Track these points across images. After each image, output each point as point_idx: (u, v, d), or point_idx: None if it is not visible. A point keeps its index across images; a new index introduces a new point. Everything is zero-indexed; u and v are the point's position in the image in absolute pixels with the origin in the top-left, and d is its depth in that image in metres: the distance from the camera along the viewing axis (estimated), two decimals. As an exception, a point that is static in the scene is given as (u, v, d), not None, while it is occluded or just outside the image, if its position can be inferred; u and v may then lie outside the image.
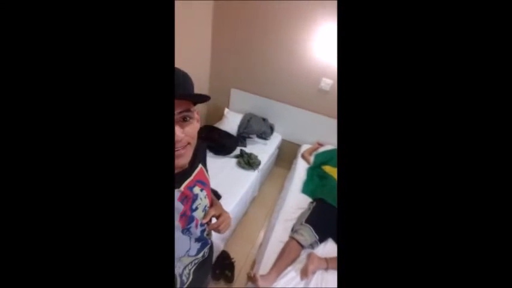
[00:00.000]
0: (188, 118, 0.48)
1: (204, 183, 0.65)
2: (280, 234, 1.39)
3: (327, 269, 1.24)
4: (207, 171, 0.71)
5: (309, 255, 1.25)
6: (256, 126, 2.16)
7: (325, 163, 1.96)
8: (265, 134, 2.22)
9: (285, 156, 2.49)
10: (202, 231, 0.67)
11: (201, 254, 0.69)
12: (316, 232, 1.35)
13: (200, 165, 0.66)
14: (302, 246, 1.29)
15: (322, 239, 1.37)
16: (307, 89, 2.13)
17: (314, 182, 1.81)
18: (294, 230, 1.38)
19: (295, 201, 1.64)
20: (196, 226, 0.63)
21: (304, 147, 2.29)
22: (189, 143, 0.50)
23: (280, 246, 1.30)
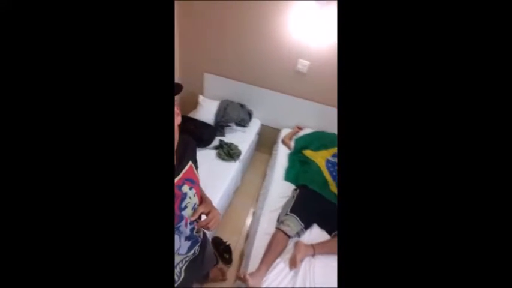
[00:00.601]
0: None
1: (193, 181, 0.64)
2: (266, 227, 1.38)
3: (313, 255, 1.27)
4: (197, 168, 0.70)
5: (296, 244, 1.27)
6: (234, 114, 2.07)
7: (305, 147, 1.96)
8: (243, 121, 2.14)
9: (266, 141, 2.46)
10: (192, 230, 0.66)
11: (191, 252, 0.69)
12: (301, 220, 1.36)
13: (190, 163, 0.65)
14: (289, 237, 1.30)
15: (307, 226, 1.39)
16: (284, 72, 2.06)
17: (296, 168, 1.81)
18: (279, 221, 1.38)
19: (279, 189, 1.64)
20: (186, 225, 0.62)
21: (284, 132, 2.26)
22: None
23: (267, 239, 1.30)
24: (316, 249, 1.27)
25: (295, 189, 1.61)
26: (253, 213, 1.79)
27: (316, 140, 2.00)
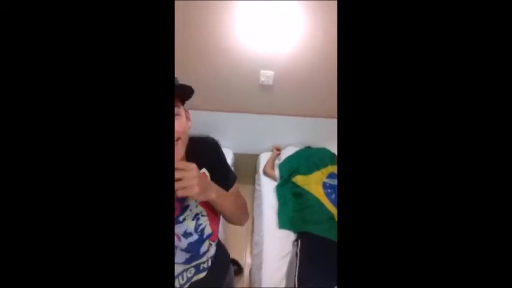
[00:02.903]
0: (176, 115, 0.50)
1: None
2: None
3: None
4: (220, 173, 0.65)
5: None
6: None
7: (294, 173, 1.58)
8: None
9: (245, 171, 2.06)
10: (192, 243, 0.60)
11: (192, 264, 0.62)
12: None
13: (203, 169, 0.61)
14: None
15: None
16: (246, 88, 1.68)
17: (289, 206, 1.42)
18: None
19: (275, 245, 1.24)
20: (179, 239, 0.58)
21: (264, 157, 1.88)
22: (179, 138, 0.52)
23: None
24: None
25: (296, 241, 1.22)
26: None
27: (304, 161, 1.63)
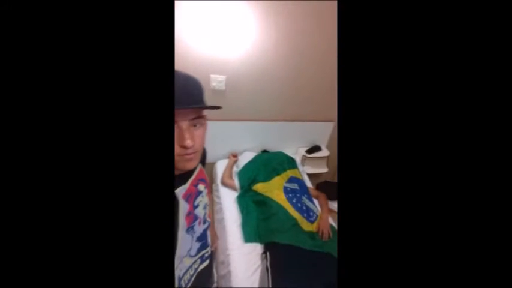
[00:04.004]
0: (198, 125, 0.50)
1: (205, 180, 0.65)
2: None
3: None
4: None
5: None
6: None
7: (254, 181, 1.54)
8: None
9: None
10: (205, 230, 0.67)
11: (199, 255, 0.67)
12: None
13: (200, 165, 0.64)
14: None
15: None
16: (196, 94, 1.56)
17: (253, 216, 1.37)
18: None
19: (243, 263, 1.17)
20: (200, 224, 0.63)
21: (221, 164, 1.79)
22: (197, 151, 0.53)
23: None
24: None
25: (264, 254, 1.18)
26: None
27: (263, 167, 1.60)
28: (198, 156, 0.53)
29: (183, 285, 0.61)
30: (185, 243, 0.59)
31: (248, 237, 1.27)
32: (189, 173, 0.60)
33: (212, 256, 0.80)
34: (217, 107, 0.50)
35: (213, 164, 1.85)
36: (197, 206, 0.61)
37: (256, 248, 1.24)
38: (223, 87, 1.55)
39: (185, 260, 0.61)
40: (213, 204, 1.68)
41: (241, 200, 1.47)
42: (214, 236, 0.93)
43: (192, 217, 0.58)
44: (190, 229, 0.59)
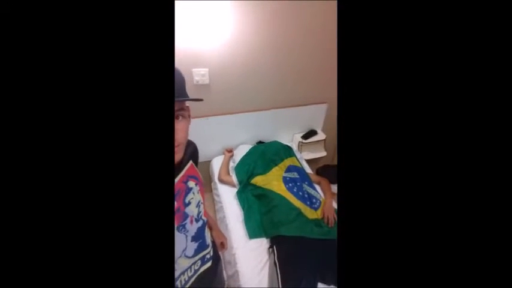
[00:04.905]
0: (181, 117, 0.50)
1: (196, 178, 0.64)
2: None
3: None
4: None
5: None
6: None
7: (252, 175, 1.48)
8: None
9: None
10: (200, 229, 0.64)
11: (198, 256, 0.65)
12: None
13: (190, 161, 0.63)
14: None
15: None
16: (180, 91, 1.48)
17: (255, 211, 1.32)
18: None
19: (250, 260, 1.12)
20: (192, 222, 0.61)
21: (216, 161, 1.73)
22: (180, 143, 0.52)
23: None
24: None
25: (271, 248, 1.13)
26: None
27: (260, 159, 1.54)
28: (182, 148, 0.53)
29: (179, 286, 0.60)
30: (178, 243, 0.58)
31: (252, 232, 1.23)
32: (177, 169, 0.59)
33: (218, 257, 0.78)
34: (199, 100, 0.51)
35: (209, 162, 1.79)
36: (188, 204, 0.60)
37: (262, 243, 1.20)
38: (207, 81, 1.47)
39: (180, 260, 0.59)
40: (214, 204, 1.64)
41: (241, 196, 1.42)
42: (222, 237, 0.88)
43: (181, 215, 0.57)
44: (181, 227, 0.58)
